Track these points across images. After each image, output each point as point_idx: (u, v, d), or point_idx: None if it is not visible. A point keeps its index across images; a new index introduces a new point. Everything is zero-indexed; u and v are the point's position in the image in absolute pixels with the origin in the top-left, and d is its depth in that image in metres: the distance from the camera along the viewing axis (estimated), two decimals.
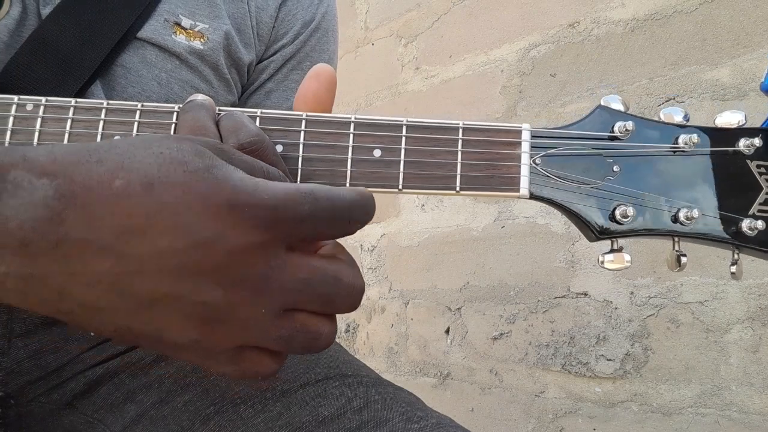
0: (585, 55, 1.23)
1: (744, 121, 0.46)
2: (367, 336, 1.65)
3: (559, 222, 1.24)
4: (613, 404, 1.15)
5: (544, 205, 0.46)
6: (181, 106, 0.43)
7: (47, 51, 0.54)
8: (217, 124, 0.41)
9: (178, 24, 0.61)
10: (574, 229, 1.21)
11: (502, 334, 1.33)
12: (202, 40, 0.62)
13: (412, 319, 1.53)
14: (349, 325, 1.70)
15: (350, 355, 0.60)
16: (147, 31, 0.60)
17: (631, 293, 1.13)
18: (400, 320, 1.56)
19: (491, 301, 1.35)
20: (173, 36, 0.61)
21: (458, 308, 1.42)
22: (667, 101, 1.11)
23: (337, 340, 0.65)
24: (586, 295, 1.19)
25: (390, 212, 1.60)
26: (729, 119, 0.46)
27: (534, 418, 1.26)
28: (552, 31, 1.29)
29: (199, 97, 0.43)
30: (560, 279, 1.23)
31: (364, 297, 1.63)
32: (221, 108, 0.45)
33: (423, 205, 1.52)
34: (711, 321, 1.04)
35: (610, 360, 1.15)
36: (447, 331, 1.44)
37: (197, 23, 0.62)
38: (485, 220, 1.37)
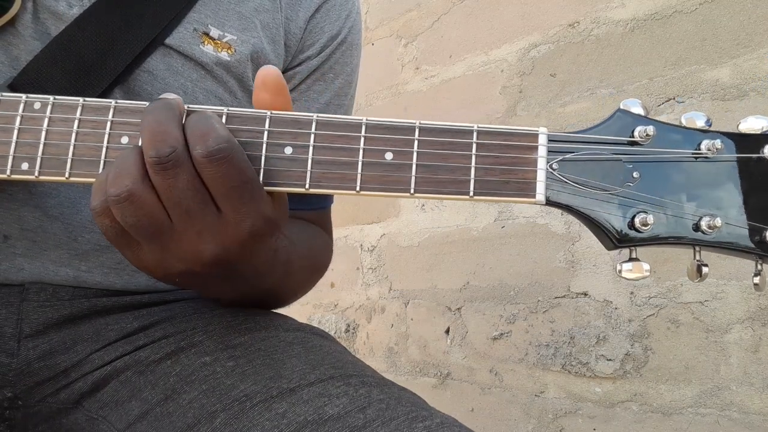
0: (585, 55, 1.23)
1: None
2: (367, 336, 1.65)
3: (559, 222, 1.24)
4: (613, 404, 1.15)
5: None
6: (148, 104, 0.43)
7: (67, 57, 0.54)
8: (183, 126, 0.41)
9: (206, 34, 0.61)
10: (574, 229, 1.21)
11: (502, 334, 1.33)
12: (229, 51, 0.62)
13: (412, 319, 1.53)
14: (349, 326, 1.70)
15: (354, 356, 0.60)
16: (175, 38, 0.59)
17: (631, 293, 1.13)
18: (400, 320, 1.56)
19: (491, 301, 1.35)
20: (201, 46, 0.61)
21: (458, 308, 1.42)
22: (667, 101, 1.11)
23: (337, 339, 0.65)
24: (586, 295, 1.19)
25: (390, 212, 1.60)
26: (753, 125, 0.45)
27: (534, 418, 1.26)
28: (552, 31, 1.29)
29: (170, 96, 0.43)
30: (560, 279, 1.23)
31: (365, 297, 1.63)
32: (191, 107, 0.43)
33: (423, 205, 1.52)
34: (711, 321, 1.04)
35: (610, 360, 1.15)
36: (447, 331, 1.44)
37: (226, 34, 0.62)
38: (485, 220, 1.37)
